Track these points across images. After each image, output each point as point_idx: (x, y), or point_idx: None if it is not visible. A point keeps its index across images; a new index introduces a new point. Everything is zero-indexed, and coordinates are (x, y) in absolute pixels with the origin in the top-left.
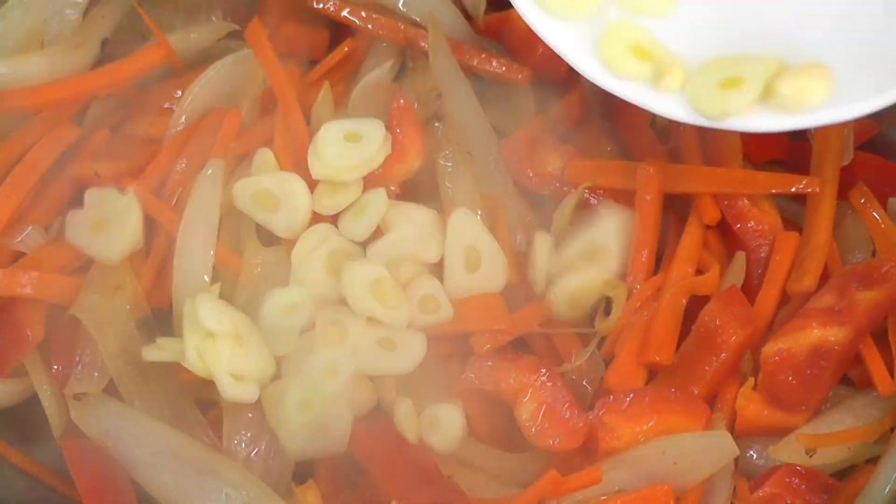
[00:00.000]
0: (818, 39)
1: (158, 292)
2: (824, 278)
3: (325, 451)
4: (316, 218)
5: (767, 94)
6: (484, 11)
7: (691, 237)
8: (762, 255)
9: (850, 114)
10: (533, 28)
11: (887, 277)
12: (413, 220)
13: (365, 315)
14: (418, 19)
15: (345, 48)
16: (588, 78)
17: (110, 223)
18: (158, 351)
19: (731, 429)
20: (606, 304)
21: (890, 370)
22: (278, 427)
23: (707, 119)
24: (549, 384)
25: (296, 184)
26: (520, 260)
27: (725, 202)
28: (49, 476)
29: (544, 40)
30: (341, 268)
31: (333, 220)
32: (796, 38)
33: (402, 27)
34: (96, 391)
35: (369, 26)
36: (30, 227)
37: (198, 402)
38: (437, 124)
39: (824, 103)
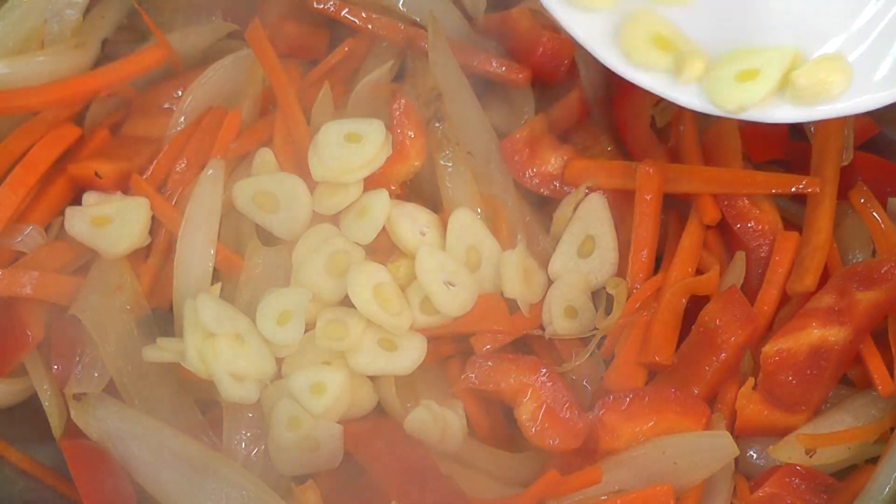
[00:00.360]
0: (836, 30)
1: (158, 292)
2: (824, 278)
3: (317, 466)
4: (316, 218)
5: (785, 86)
6: (484, 11)
7: (691, 237)
8: (762, 255)
9: (868, 105)
10: (555, 18)
11: (887, 277)
12: (414, 221)
13: (368, 317)
14: (418, 19)
15: (345, 48)
16: (609, 67)
17: (116, 218)
18: (158, 352)
19: (731, 429)
20: (607, 304)
21: (890, 370)
22: (269, 443)
23: (724, 112)
24: (549, 384)
25: (296, 185)
26: None
27: (725, 202)
28: (49, 476)
29: (566, 30)
30: (343, 269)
31: (334, 219)
32: (814, 28)
33: (402, 27)
34: (96, 391)
35: (369, 26)
36: (30, 227)
37: (198, 402)
38: (437, 124)
39: (842, 95)
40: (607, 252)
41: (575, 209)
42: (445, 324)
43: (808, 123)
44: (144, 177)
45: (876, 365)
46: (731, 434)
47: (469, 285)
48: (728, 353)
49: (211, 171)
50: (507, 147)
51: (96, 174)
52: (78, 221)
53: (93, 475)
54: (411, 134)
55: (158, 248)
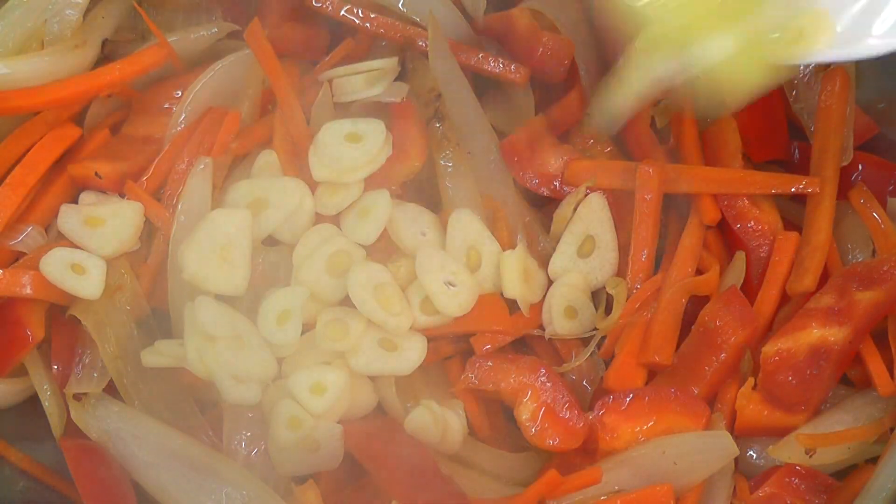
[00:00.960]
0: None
1: (158, 293)
2: (824, 278)
3: (317, 467)
4: (317, 217)
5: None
6: (484, 11)
7: (691, 237)
8: (762, 255)
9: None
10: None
11: (887, 277)
12: (415, 221)
13: (368, 318)
14: (418, 19)
15: (345, 48)
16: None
17: (109, 221)
18: (157, 357)
19: (731, 429)
20: (607, 304)
21: (890, 370)
22: (269, 443)
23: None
24: (549, 384)
25: (300, 191)
26: None
27: (725, 202)
28: (49, 476)
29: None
30: (344, 269)
31: (335, 219)
32: None
33: (402, 27)
34: (96, 391)
35: (368, 26)
36: (30, 227)
37: (198, 403)
38: (437, 124)
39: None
40: (607, 252)
41: (575, 209)
42: (446, 324)
43: (809, 123)
44: (144, 177)
45: (876, 365)
46: (731, 434)
47: (469, 285)
48: (728, 353)
49: (201, 167)
50: (507, 147)
51: (96, 174)
52: (71, 219)
53: (93, 475)
54: (412, 134)
55: (158, 249)
